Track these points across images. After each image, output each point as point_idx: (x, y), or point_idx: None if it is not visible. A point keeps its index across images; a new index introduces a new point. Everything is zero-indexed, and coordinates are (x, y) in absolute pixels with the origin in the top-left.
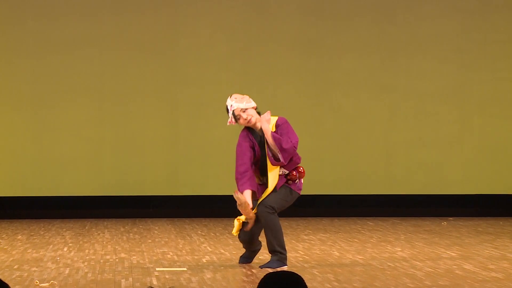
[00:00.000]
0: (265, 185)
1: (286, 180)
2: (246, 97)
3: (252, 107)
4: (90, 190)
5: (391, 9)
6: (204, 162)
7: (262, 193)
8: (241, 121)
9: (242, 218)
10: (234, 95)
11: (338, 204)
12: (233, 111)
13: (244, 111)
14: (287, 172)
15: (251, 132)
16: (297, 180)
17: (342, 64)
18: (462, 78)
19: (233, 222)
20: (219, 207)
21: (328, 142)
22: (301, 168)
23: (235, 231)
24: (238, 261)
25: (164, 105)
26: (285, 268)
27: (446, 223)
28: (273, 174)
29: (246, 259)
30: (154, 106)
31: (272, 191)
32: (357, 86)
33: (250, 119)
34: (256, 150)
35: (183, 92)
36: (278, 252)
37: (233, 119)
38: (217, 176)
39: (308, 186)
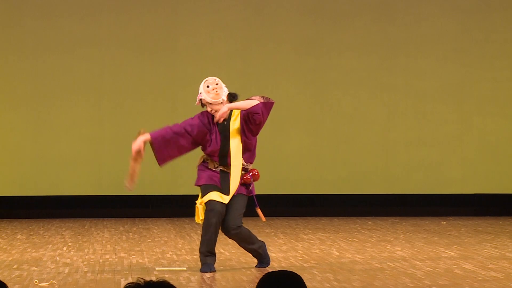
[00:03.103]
0: (222, 173)
1: (241, 184)
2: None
3: (218, 102)
4: (90, 189)
5: (390, 9)
6: None
7: (219, 182)
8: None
9: (203, 201)
10: (208, 81)
11: (337, 203)
12: (200, 100)
13: (210, 104)
14: (243, 172)
15: (212, 119)
16: (251, 183)
17: (342, 63)
18: (461, 77)
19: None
20: None
21: (328, 141)
22: (256, 171)
23: (198, 219)
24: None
25: (163, 104)
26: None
27: (445, 222)
28: (237, 165)
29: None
30: (154, 105)
31: (234, 202)
32: (356, 85)
33: (215, 112)
34: (215, 138)
35: (182, 91)
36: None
37: (199, 103)
38: None
39: (308, 185)
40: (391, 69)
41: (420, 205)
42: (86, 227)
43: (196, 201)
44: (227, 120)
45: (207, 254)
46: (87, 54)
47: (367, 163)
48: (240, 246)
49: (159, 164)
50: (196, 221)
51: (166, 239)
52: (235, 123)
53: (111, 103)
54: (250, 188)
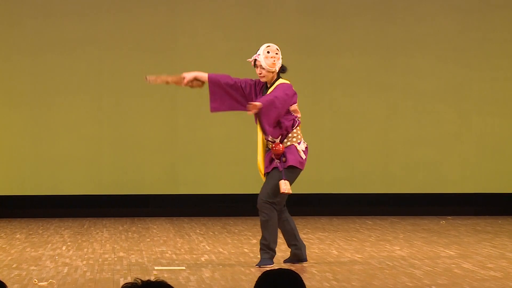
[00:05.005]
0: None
1: (270, 159)
2: (276, 57)
3: (271, 71)
4: (89, 189)
5: (390, 8)
6: (203, 161)
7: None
8: (256, 71)
9: None
10: (270, 47)
11: (336, 202)
12: (255, 58)
13: (262, 68)
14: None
15: (265, 84)
16: (280, 158)
17: (341, 62)
18: (460, 77)
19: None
20: (218, 206)
21: (327, 141)
22: (278, 145)
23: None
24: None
25: (162, 104)
26: (272, 266)
27: (444, 221)
28: (259, 136)
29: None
30: (153, 105)
31: (266, 178)
32: (355, 84)
33: (262, 77)
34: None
35: (181, 90)
36: (271, 251)
37: (252, 63)
38: (216, 175)
39: (307, 185)
40: (391, 69)
41: (419, 205)
42: (85, 226)
43: None
44: (270, 88)
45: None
46: (86, 53)
47: (367, 162)
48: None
49: (211, 110)
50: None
51: (165, 238)
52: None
53: (110, 102)
54: (284, 160)
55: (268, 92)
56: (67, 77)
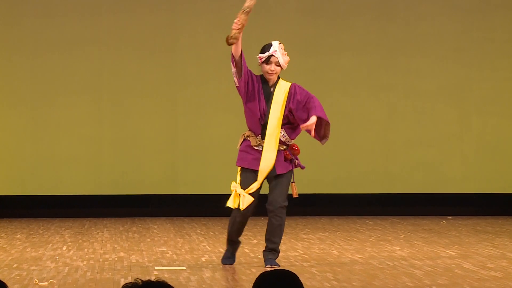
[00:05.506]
0: (258, 152)
1: (284, 159)
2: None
3: (283, 68)
4: (89, 189)
5: (390, 8)
6: (203, 161)
7: (257, 165)
8: (266, 67)
9: (239, 190)
10: (282, 44)
11: (337, 203)
12: (272, 54)
13: (277, 65)
14: (284, 147)
15: (262, 81)
16: (291, 158)
17: (341, 63)
18: (461, 77)
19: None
20: (218, 206)
21: (327, 141)
22: (296, 146)
23: (232, 203)
24: (221, 263)
25: (163, 104)
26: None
27: (445, 222)
28: (271, 134)
29: (229, 259)
30: (153, 105)
31: (279, 181)
32: (356, 85)
33: (272, 74)
34: (260, 100)
35: (182, 91)
36: (278, 253)
37: (263, 59)
38: (216, 175)
39: (307, 185)
40: (391, 68)
41: (419, 205)
42: (85, 226)
43: (234, 182)
44: (273, 86)
45: (230, 243)
46: (86, 53)
47: (367, 162)
48: (269, 233)
49: (238, 84)
50: (227, 205)
51: (165, 238)
52: (280, 95)
53: (110, 102)
54: (297, 162)
55: (275, 93)
56: (67, 77)
